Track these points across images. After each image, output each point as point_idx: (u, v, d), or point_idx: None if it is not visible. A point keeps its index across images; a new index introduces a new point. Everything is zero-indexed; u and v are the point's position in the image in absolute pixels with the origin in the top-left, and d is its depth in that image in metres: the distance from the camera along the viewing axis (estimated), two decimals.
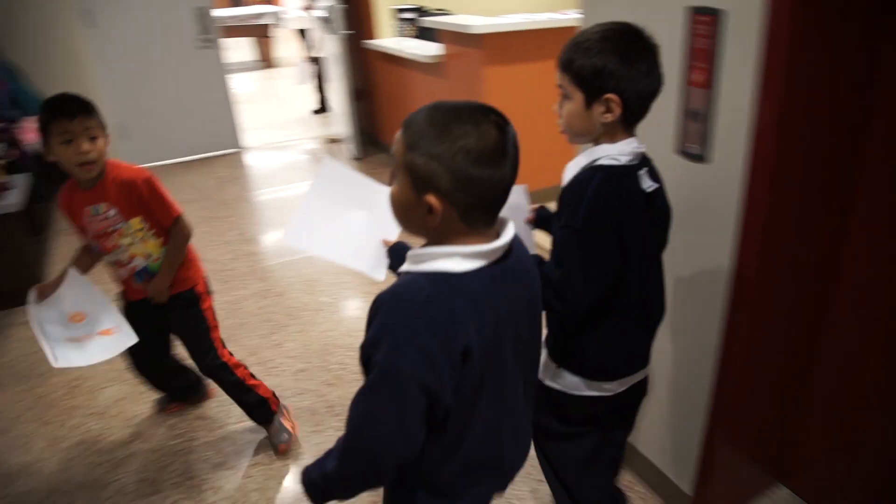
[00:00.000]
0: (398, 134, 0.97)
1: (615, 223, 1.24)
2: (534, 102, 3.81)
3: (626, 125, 1.25)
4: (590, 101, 1.22)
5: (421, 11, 5.82)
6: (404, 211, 1.01)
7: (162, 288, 1.99)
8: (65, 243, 3.97)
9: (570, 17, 3.78)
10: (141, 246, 1.96)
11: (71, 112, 1.78)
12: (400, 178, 0.98)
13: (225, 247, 3.82)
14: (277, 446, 2.20)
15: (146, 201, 1.92)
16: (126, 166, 1.94)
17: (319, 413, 2.38)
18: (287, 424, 2.25)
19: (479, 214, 0.98)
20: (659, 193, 1.32)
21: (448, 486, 1.11)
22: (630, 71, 1.18)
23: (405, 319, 0.94)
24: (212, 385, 2.31)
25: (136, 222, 1.93)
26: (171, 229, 1.99)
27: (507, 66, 3.72)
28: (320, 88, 7.00)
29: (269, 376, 2.58)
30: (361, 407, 0.98)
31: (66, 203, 1.91)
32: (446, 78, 4.12)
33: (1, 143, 3.33)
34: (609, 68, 1.17)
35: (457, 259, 0.97)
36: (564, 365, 1.42)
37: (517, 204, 1.49)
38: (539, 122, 3.82)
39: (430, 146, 0.93)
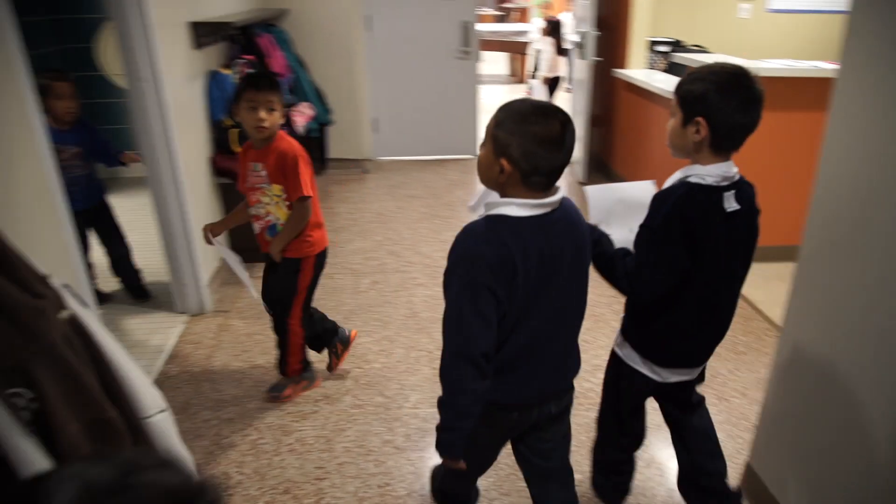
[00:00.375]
0: (494, 113, 1.33)
1: (687, 233, 1.48)
2: (780, 154, 3.53)
3: (716, 149, 1.47)
4: (686, 121, 1.47)
5: (676, 45, 5.65)
6: (485, 168, 1.37)
7: (276, 250, 2.29)
8: None
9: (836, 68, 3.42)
10: (275, 209, 2.28)
11: (260, 86, 2.13)
12: (487, 144, 1.34)
13: (440, 245, 4.04)
14: (270, 391, 2.54)
15: (287, 173, 2.20)
16: (289, 141, 2.24)
17: None
18: (288, 391, 2.54)
19: (536, 180, 1.31)
20: (743, 216, 1.51)
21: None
22: (722, 102, 1.41)
23: (474, 245, 1.33)
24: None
25: (276, 188, 2.24)
26: (294, 205, 2.25)
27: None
28: None
29: None
30: (453, 318, 1.37)
31: (242, 154, 2.30)
32: None
33: None
34: (705, 96, 1.42)
35: (512, 207, 1.33)
36: (628, 338, 1.73)
37: (640, 200, 1.62)
38: (780, 175, 3.55)
39: (511, 126, 1.29)
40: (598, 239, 1.61)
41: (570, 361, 1.55)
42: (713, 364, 2.78)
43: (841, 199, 1.59)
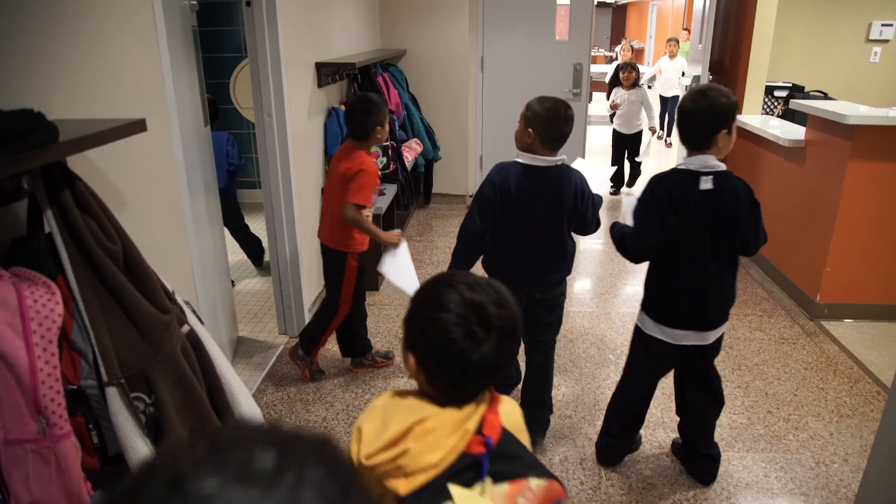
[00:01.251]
0: (527, 104, 2.25)
1: (668, 202, 2.02)
2: None
3: (689, 147, 2.04)
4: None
5: (795, 90, 5.45)
6: (519, 135, 2.26)
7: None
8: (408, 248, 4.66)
9: None
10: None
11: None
12: (521, 122, 2.24)
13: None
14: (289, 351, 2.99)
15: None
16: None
17: (570, 462, 2.43)
18: (300, 365, 2.96)
19: (549, 143, 2.21)
20: (717, 195, 1.99)
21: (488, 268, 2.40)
22: (689, 115, 2.02)
23: (492, 173, 2.27)
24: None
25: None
26: None
27: (879, 163, 3.30)
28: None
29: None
30: (468, 212, 2.30)
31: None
32: (803, 164, 3.81)
33: (384, 156, 4.06)
34: (679, 112, 2.07)
35: (523, 157, 2.25)
36: (643, 308, 2.23)
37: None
38: None
39: (536, 109, 2.20)
40: (620, 229, 2.19)
41: (546, 266, 2.33)
42: (813, 425, 2.65)
43: None
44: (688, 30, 8.90)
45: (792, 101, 4.10)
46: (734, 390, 2.91)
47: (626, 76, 5.97)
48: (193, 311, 1.66)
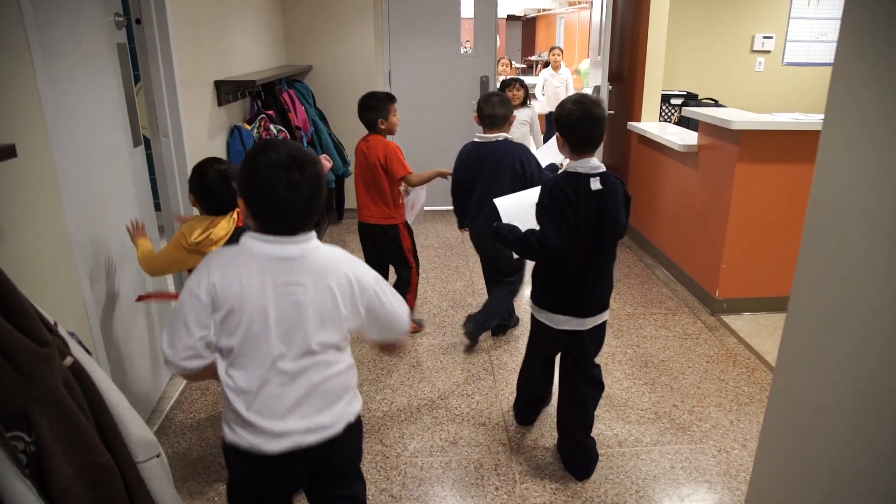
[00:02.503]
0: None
1: (568, 202, 2.16)
2: (783, 205, 3.57)
3: (576, 153, 2.21)
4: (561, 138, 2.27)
5: (690, 98, 5.74)
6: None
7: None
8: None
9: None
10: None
11: (394, 99, 3.29)
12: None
13: (448, 295, 4.11)
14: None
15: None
16: None
17: (485, 468, 2.45)
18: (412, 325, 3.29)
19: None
20: (605, 194, 2.19)
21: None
22: (570, 125, 2.19)
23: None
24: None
25: None
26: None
27: (763, 164, 3.52)
28: None
29: (450, 422, 2.73)
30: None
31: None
32: (697, 168, 4.02)
33: None
34: (558, 122, 2.23)
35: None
36: (532, 297, 2.41)
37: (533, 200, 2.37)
38: (784, 227, 3.57)
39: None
40: (511, 229, 2.31)
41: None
42: (715, 415, 2.78)
43: (825, 248, 1.63)
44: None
45: (685, 108, 4.33)
46: (642, 387, 3.02)
47: (513, 95, 4.87)
48: (79, 342, 1.58)
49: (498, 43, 5.93)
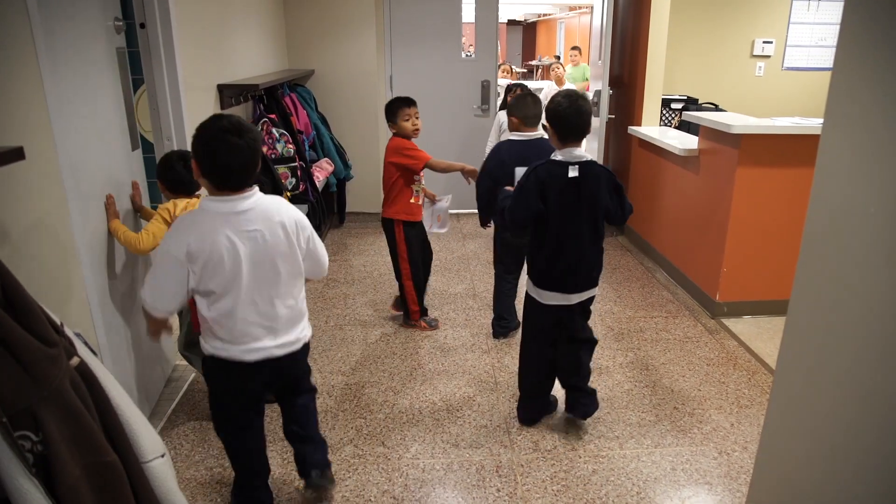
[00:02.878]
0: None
1: (539, 186, 2.41)
2: (783, 209, 3.59)
3: (563, 142, 2.44)
4: (547, 129, 2.57)
5: (690, 103, 5.76)
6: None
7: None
8: None
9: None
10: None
11: (411, 102, 3.41)
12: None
13: (449, 298, 4.13)
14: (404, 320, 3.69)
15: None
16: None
17: (486, 470, 2.46)
18: (421, 325, 3.65)
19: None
20: (582, 180, 2.41)
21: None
22: (558, 117, 2.42)
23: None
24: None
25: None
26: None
27: (763, 168, 3.54)
28: None
29: (451, 424, 2.74)
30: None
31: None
32: (697, 173, 4.04)
33: (293, 177, 4.03)
34: (548, 114, 2.46)
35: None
36: (528, 273, 2.64)
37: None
38: (784, 230, 3.59)
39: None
40: (505, 196, 2.59)
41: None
42: (716, 418, 2.79)
43: (824, 251, 1.64)
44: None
45: (685, 113, 4.34)
46: (642, 390, 3.03)
47: None
48: (85, 343, 1.60)
49: (499, 48, 5.95)
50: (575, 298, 2.54)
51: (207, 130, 1.75)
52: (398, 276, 3.62)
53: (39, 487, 1.32)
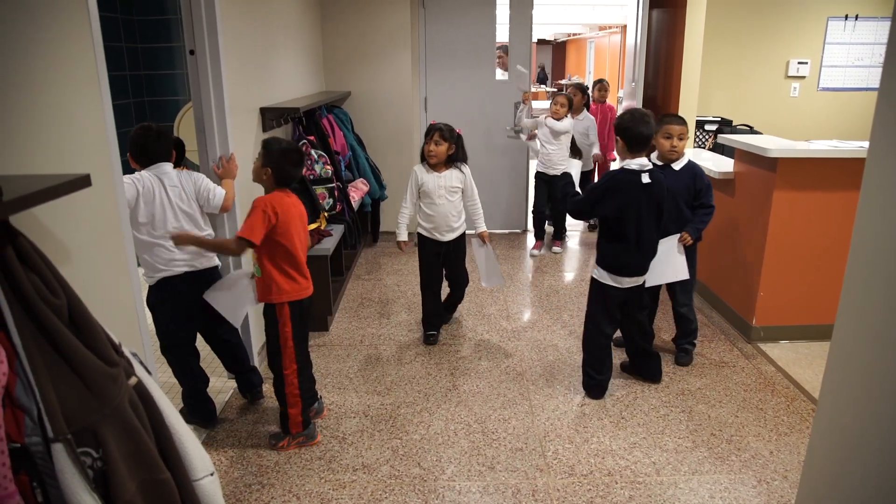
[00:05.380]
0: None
1: (610, 191, 2.89)
2: (821, 233, 3.55)
3: (630, 151, 2.88)
4: (616, 139, 2.97)
5: (724, 124, 5.74)
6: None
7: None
8: (356, 286, 4.68)
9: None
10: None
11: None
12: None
13: (483, 319, 4.15)
14: (270, 437, 2.81)
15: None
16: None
17: (523, 493, 2.47)
18: (284, 442, 2.75)
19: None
20: (653, 185, 2.88)
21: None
22: (628, 128, 2.85)
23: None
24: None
25: None
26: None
27: (801, 192, 3.51)
28: None
29: (487, 447, 2.75)
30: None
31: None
32: (733, 196, 4.02)
33: (331, 197, 4.10)
34: (620, 126, 2.87)
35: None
36: (598, 264, 3.05)
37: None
38: (822, 255, 3.55)
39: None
40: (569, 182, 3.19)
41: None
42: (754, 445, 2.76)
43: (872, 278, 1.63)
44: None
45: (720, 135, 4.33)
46: (679, 415, 3.01)
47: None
48: (141, 363, 1.65)
49: (532, 67, 6.00)
50: (641, 278, 3.04)
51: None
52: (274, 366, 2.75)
53: (99, 503, 1.37)
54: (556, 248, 5.56)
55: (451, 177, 3.62)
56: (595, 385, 3.17)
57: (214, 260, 2.87)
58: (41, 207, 1.56)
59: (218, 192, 2.84)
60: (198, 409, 2.90)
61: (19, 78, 1.60)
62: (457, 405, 3.10)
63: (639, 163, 2.88)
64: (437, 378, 3.37)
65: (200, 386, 2.90)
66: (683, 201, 3.29)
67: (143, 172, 2.63)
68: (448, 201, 3.62)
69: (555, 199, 5.31)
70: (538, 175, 5.42)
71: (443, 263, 3.77)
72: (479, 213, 3.74)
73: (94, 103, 1.95)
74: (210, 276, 2.83)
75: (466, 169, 3.68)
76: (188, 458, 1.61)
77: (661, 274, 3.22)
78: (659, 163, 3.29)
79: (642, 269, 3.02)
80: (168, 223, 2.66)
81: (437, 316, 3.84)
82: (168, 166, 2.69)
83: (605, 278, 3.02)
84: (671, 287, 3.48)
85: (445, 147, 3.52)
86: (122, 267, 2.12)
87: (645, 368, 3.31)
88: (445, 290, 3.92)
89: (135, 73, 5.13)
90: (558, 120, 5.08)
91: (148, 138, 2.66)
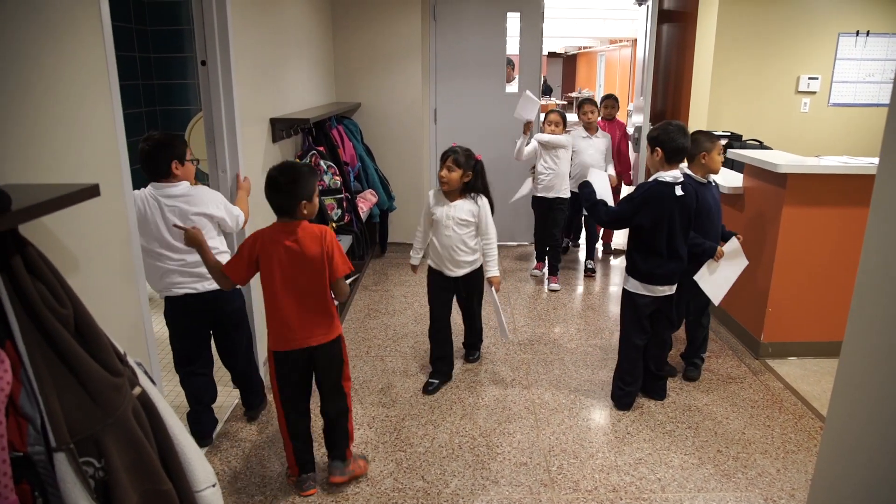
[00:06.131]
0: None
1: (647, 203, 2.94)
2: (831, 249, 3.53)
3: (668, 163, 2.93)
4: (652, 151, 2.98)
5: (734, 138, 5.72)
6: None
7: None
8: (363, 297, 4.68)
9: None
10: None
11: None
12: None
13: (490, 331, 4.13)
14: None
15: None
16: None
17: None
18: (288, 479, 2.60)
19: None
20: (686, 197, 2.93)
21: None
22: (668, 140, 2.90)
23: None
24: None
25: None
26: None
27: (810, 208, 3.49)
28: None
29: (491, 460, 2.74)
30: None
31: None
32: (742, 210, 4.00)
33: (339, 208, 4.11)
34: (659, 138, 2.93)
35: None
36: (630, 274, 3.09)
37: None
38: (831, 271, 3.53)
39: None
40: (591, 192, 3.15)
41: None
42: (761, 462, 2.73)
43: (881, 294, 1.62)
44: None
45: (729, 150, 4.32)
46: (685, 431, 2.98)
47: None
48: (145, 372, 1.66)
49: (542, 79, 6.01)
50: (672, 287, 3.08)
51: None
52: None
53: None
54: (553, 286, 4.99)
55: (463, 208, 3.22)
56: (623, 395, 3.19)
57: None
58: (50, 216, 1.57)
59: (230, 219, 2.77)
60: (192, 425, 2.82)
61: (32, 88, 1.62)
62: (462, 418, 3.09)
63: (672, 175, 2.91)
64: (441, 391, 3.36)
65: (195, 406, 2.82)
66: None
67: (143, 191, 2.57)
68: (455, 234, 3.21)
69: (551, 227, 4.98)
70: (535, 200, 5.08)
71: (459, 300, 3.52)
72: (491, 255, 3.30)
73: (106, 114, 1.97)
74: (218, 299, 2.72)
75: (483, 201, 3.24)
76: (191, 468, 1.61)
77: (717, 291, 3.24)
78: (703, 179, 3.22)
79: (671, 279, 3.05)
80: (164, 238, 2.59)
81: (442, 360, 3.40)
82: (170, 187, 2.59)
83: (637, 288, 3.05)
84: (689, 299, 3.41)
85: (459, 174, 3.14)
86: (129, 276, 2.13)
87: (649, 386, 3.30)
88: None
89: (147, 83, 5.17)
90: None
91: (143, 152, 2.58)
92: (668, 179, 2.91)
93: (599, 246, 5.93)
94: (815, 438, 2.91)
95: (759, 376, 3.54)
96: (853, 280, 1.71)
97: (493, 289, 3.32)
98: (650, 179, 2.98)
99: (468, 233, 3.24)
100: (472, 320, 3.63)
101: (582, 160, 5.13)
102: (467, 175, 3.17)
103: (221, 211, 2.74)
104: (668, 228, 2.94)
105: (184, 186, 2.63)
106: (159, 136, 2.63)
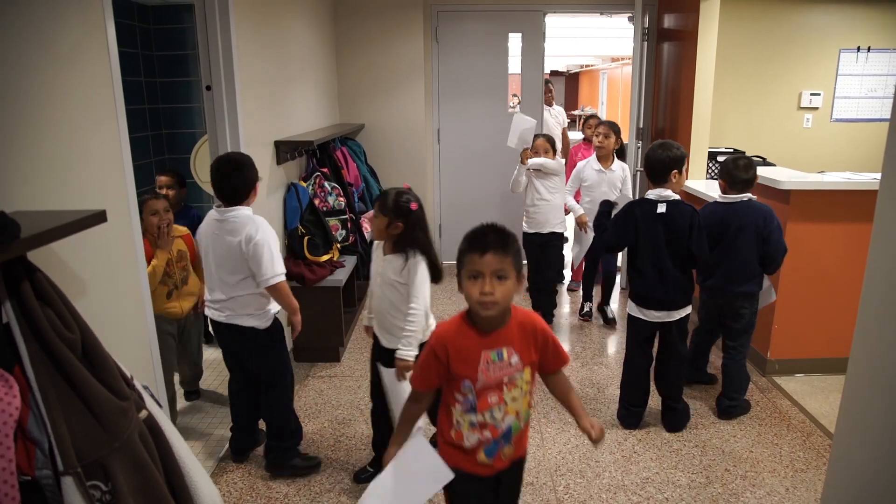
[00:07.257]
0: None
1: (633, 220, 2.95)
2: (835, 265, 3.53)
3: (652, 182, 2.96)
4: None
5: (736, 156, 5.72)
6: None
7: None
8: None
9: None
10: (522, 402, 1.75)
11: (484, 247, 1.62)
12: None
13: None
14: None
15: (542, 346, 1.77)
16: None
17: None
18: None
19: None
20: (670, 217, 2.88)
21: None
22: (648, 157, 2.96)
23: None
24: None
25: (528, 373, 1.76)
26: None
27: (814, 224, 3.50)
28: None
29: None
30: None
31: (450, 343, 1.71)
32: None
33: (343, 229, 4.14)
34: (645, 156, 3.01)
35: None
36: (629, 295, 3.11)
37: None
38: (837, 287, 3.52)
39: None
40: (606, 214, 3.28)
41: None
42: (770, 481, 2.71)
43: (886, 310, 1.61)
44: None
45: None
46: (692, 450, 2.97)
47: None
48: (152, 395, 1.67)
49: (544, 99, 6.05)
50: (675, 315, 2.99)
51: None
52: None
53: None
54: None
55: (392, 265, 2.44)
56: (628, 415, 3.20)
57: (249, 320, 2.57)
58: (59, 241, 1.59)
59: (264, 279, 2.49)
60: (231, 440, 2.93)
61: (39, 113, 1.65)
62: None
63: (657, 193, 2.92)
64: None
65: (233, 426, 2.89)
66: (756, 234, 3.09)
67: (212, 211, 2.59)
68: (385, 295, 2.48)
69: (544, 269, 4.43)
70: (525, 238, 4.33)
71: None
72: (408, 329, 2.38)
73: (112, 139, 2.00)
74: (245, 336, 2.61)
75: (417, 259, 2.40)
76: (197, 492, 1.62)
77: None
78: (726, 199, 3.16)
79: (664, 305, 2.97)
80: (208, 260, 2.58)
81: (383, 444, 2.33)
82: (226, 211, 2.52)
83: (633, 310, 3.07)
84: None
85: (384, 222, 2.40)
86: (136, 300, 2.15)
87: (663, 413, 3.21)
88: None
89: (153, 107, 5.23)
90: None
91: (213, 174, 2.52)
92: (651, 196, 2.94)
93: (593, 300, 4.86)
94: (824, 457, 2.89)
95: (766, 394, 3.52)
96: (858, 295, 1.71)
97: (391, 371, 2.41)
98: (639, 198, 3.05)
99: (399, 297, 2.44)
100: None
101: (594, 197, 4.40)
102: (395, 226, 2.39)
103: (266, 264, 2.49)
104: (651, 248, 2.93)
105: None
106: (232, 159, 2.59)
